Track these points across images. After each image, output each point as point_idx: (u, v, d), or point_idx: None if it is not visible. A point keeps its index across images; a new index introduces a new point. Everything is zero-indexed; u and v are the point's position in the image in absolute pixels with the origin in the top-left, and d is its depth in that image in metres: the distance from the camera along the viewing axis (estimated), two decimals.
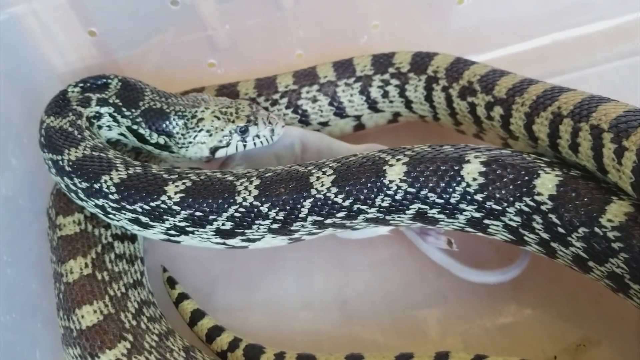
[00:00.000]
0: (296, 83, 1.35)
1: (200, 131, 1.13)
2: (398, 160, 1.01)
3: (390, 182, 0.99)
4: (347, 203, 1.00)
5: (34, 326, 1.19)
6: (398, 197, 1.00)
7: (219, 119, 1.14)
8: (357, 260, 1.27)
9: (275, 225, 1.03)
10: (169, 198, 1.01)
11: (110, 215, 1.07)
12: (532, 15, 1.55)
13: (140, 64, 1.44)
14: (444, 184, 0.98)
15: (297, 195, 1.00)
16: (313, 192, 1.00)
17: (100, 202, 1.06)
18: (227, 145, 1.15)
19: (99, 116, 1.17)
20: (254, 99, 1.34)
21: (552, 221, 0.95)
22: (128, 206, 1.03)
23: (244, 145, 1.16)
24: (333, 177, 1.01)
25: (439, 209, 1.01)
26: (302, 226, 1.04)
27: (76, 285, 1.05)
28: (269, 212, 1.01)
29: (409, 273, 1.21)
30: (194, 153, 1.15)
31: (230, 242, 1.07)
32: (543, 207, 0.95)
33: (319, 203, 1.00)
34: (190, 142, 1.14)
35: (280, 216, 1.01)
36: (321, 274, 1.27)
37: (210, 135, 1.13)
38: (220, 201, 1.00)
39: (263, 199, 1.00)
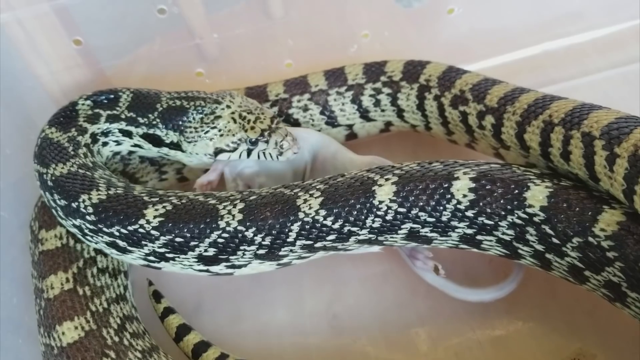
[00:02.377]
0: (287, 92, 1.34)
1: (213, 128, 1.11)
2: (387, 180, 0.99)
3: (380, 202, 0.97)
4: (336, 225, 0.98)
5: (16, 342, 1.16)
6: (389, 217, 0.98)
7: (235, 122, 1.11)
8: (348, 273, 1.26)
9: (261, 251, 1.00)
10: (148, 222, 0.98)
11: (88, 237, 1.04)
12: (522, 25, 1.55)
13: (127, 73, 1.43)
14: (434, 202, 0.97)
15: (284, 219, 0.97)
16: (301, 215, 0.97)
17: (77, 222, 1.03)
18: (233, 150, 1.12)
19: (107, 133, 1.15)
20: None
21: (546, 232, 0.94)
22: (105, 229, 1.00)
23: (248, 155, 1.13)
24: (321, 199, 0.98)
25: (431, 228, 1.00)
26: (291, 251, 1.01)
27: (57, 301, 1.02)
28: (255, 237, 0.98)
29: (400, 286, 1.19)
30: (200, 148, 1.12)
31: (214, 269, 1.03)
32: (535, 219, 0.94)
33: (307, 226, 0.98)
34: (200, 137, 1.11)
35: (267, 241, 0.98)
36: (311, 287, 1.25)
37: (221, 135, 1.11)
38: (202, 226, 0.97)
39: (248, 224, 0.97)
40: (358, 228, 0.99)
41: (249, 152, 1.12)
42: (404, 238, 1.02)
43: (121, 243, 1.01)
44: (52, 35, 1.33)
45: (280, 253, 1.00)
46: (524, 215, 0.94)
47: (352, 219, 0.98)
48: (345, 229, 0.99)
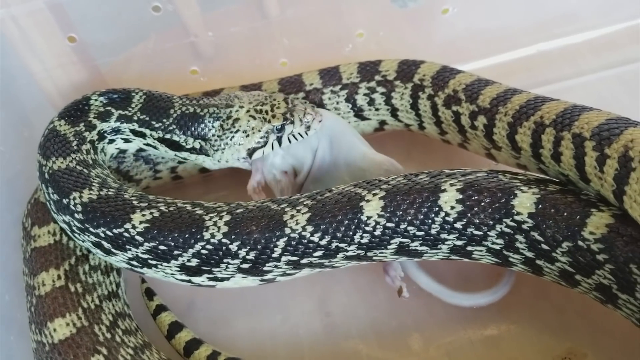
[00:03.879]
0: (282, 90, 1.34)
1: (236, 132, 1.10)
2: (374, 195, 0.98)
3: (368, 218, 0.97)
4: (324, 242, 0.97)
5: (8, 339, 1.16)
6: (377, 232, 0.98)
7: (254, 118, 1.11)
8: (341, 271, 1.25)
9: (245, 265, 0.99)
10: (133, 227, 0.97)
11: (76, 235, 1.05)
12: (517, 25, 1.55)
13: (122, 71, 1.43)
14: (422, 216, 0.97)
15: (270, 234, 0.96)
16: (287, 230, 0.96)
17: (67, 218, 1.03)
18: (264, 145, 1.12)
19: (116, 131, 1.14)
20: None
21: (535, 239, 0.94)
22: (92, 229, 1.00)
23: (280, 143, 1.13)
24: (308, 215, 0.97)
25: (421, 241, 0.99)
26: (276, 267, 1.00)
27: (48, 298, 1.02)
28: (239, 251, 0.97)
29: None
30: (231, 155, 1.12)
31: (196, 280, 1.03)
32: (524, 226, 0.94)
33: (294, 242, 0.97)
34: (227, 144, 1.11)
35: (251, 256, 0.97)
36: (304, 285, 1.25)
37: (247, 136, 1.10)
38: (186, 236, 0.97)
39: (233, 237, 0.96)
40: (346, 244, 0.98)
41: (280, 140, 1.12)
42: (394, 253, 1.02)
43: (106, 245, 1.00)
44: (47, 32, 1.33)
45: (265, 268, 1.00)
46: (513, 224, 0.94)
47: (339, 235, 0.97)
48: (333, 245, 0.98)
